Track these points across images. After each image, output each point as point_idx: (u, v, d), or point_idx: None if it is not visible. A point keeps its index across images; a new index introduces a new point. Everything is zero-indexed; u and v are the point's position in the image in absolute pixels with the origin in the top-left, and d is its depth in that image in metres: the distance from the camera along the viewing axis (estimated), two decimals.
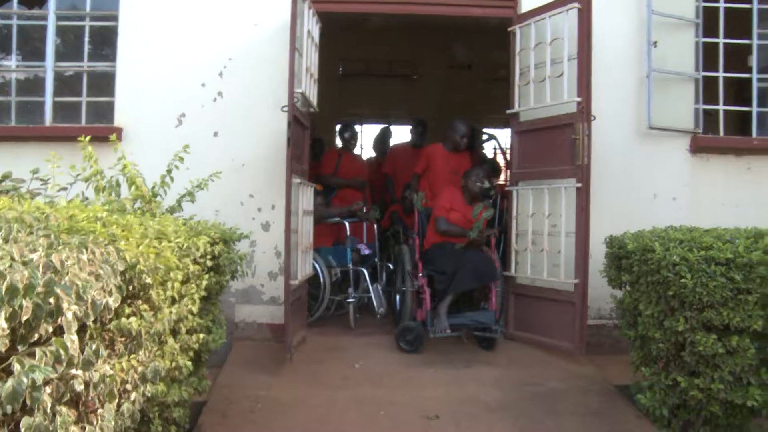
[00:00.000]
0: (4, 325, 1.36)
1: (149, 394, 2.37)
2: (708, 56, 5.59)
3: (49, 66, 5.46)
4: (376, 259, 6.38)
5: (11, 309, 1.36)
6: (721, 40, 5.58)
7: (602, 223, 4.94)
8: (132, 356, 2.15)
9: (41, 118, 5.46)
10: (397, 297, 5.81)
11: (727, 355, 3.39)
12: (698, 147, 5.48)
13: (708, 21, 5.59)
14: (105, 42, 5.72)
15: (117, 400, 2.05)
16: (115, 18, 5.46)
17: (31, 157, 4.96)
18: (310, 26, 5.03)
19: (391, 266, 6.66)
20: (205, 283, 3.17)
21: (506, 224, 6.25)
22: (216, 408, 3.96)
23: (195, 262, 3.02)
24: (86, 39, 5.53)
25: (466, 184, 5.56)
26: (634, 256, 3.81)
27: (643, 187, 5.45)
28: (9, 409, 1.30)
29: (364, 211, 6.35)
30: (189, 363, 2.89)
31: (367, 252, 6.19)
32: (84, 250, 1.90)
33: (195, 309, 2.85)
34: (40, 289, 1.48)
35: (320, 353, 5.02)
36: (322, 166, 6.71)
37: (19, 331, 1.46)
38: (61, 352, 1.57)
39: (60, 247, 1.87)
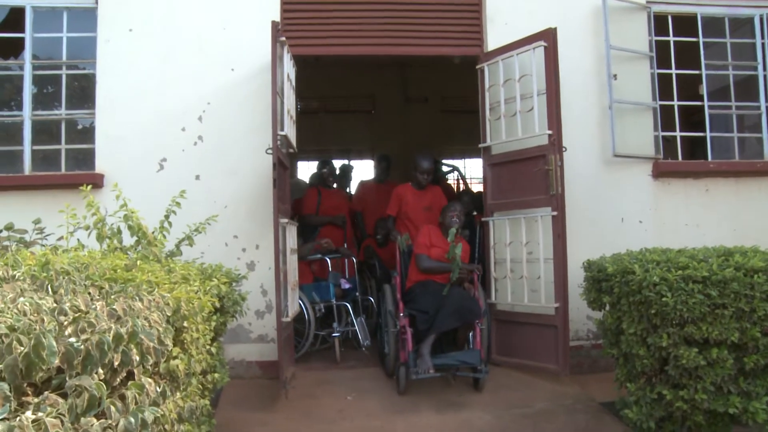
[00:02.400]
0: (101, 371, 1.47)
1: None
2: (662, 86, 5.95)
3: (27, 115, 5.50)
4: (357, 293, 6.48)
5: (110, 356, 1.46)
6: (674, 71, 5.94)
7: (575, 248, 5.17)
8: (174, 397, 2.25)
9: (20, 166, 5.48)
10: (384, 337, 5.57)
11: (708, 367, 3.63)
12: (660, 172, 5.80)
13: (661, 53, 5.96)
14: (83, 89, 5.79)
15: None
16: (92, 66, 5.54)
17: (12, 206, 5.05)
18: (288, 69, 5.19)
19: (371, 299, 6.79)
20: (213, 324, 3.27)
21: (483, 254, 6.43)
22: None
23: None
24: (63, 87, 5.58)
25: (443, 220, 5.50)
26: (615, 278, 4.02)
27: (611, 212, 5.72)
28: None
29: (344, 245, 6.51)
30: (207, 402, 2.98)
31: (347, 287, 6.28)
32: (137, 298, 2.01)
33: (213, 350, 2.95)
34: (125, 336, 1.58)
35: (311, 388, 5.10)
36: (303, 205, 6.81)
37: (105, 377, 1.56)
38: (136, 394, 1.68)
39: (114, 296, 1.98)
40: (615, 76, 5.69)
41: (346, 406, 4.72)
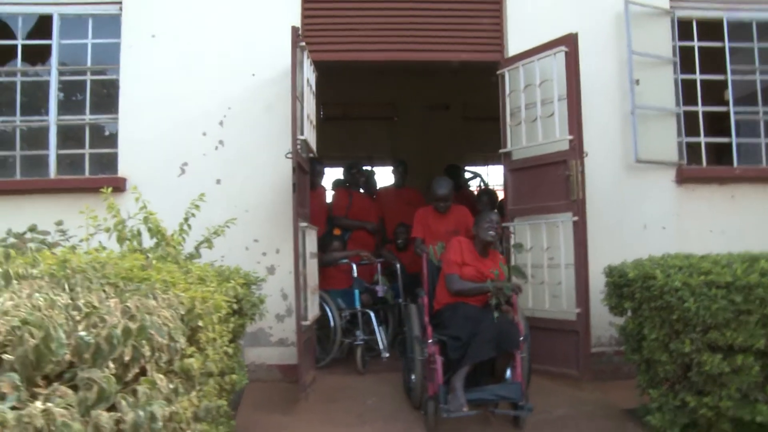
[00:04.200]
0: (111, 365, 1.48)
1: None
2: (687, 91, 5.88)
3: (52, 120, 5.59)
4: (399, 300, 6.34)
5: (120, 350, 1.47)
6: (698, 77, 5.88)
7: (597, 253, 5.11)
8: (189, 396, 2.25)
9: (45, 170, 5.56)
10: (410, 365, 4.86)
11: (732, 374, 3.56)
12: (683, 178, 5.73)
13: (685, 58, 5.90)
14: (107, 95, 5.86)
15: None
16: (116, 71, 5.62)
17: (37, 209, 5.11)
18: (309, 74, 5.22)
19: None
20: (231, 325, 3.28)
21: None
22: None
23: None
24: (88, 92, 5.68)
25: (477, 233, 4.82)
26: (636, 283, 3.98)
27: (633, 218, 5.66)
28: None
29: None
30: (225, 403, 2.99)
31: (382, 294, 6.15)
32: (150, 296, 2.02)
33: (231, 351, 2.96)
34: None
35: (331, 392, 5.09)
36: (333, 206, 6.80)
37: (117, 372, 1.57)
38: (147, 390, 1.68)
39: (128, 294, 1.99)
40: (637, 81, 5.64)
41: (366, 411, 4.71)
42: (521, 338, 4.43)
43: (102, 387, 1.35)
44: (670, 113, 5.80)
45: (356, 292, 6.07)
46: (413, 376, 4.69)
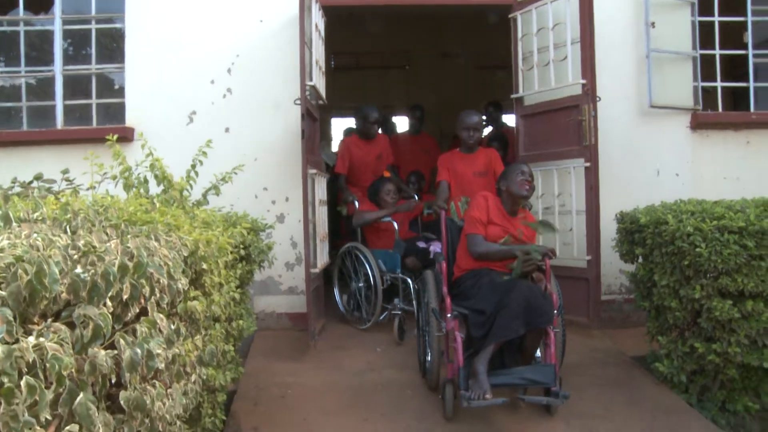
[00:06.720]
0: (110, 303, 1.47)
1: (204, 377, 2.48)
2: (704, 34, 5.73)
3: (58, 70, 5.53)
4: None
5: (118, 288, 1.46)
6: (717, 18, 5.71)
7: (609, 200, 5.06)
8: (194, 339, 2.26)
9: (53, 121, 5.54)
10: (425, 339, 4.22)
11: (742, 320, 3.55)
12: (698, 123, 5.61)
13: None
14: (113, 44, 5.80)
15: (183, 381, 2.16)
16: (121, 20, 5.54)
17: (45, 160, 5.09)
18: (317, 20, 5.13)
19: None
20: (239, 272, 3.28)
21: None
22: (247, 395, 4.05)
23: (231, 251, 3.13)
24: (93, 42, 5.61)
25: (508, 187, 4.08)
26: (648, 229, 3.94)
27: (646, 165, 5.58)
28: (128, 377, 1.40)
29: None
30: (232, 348, 3.00)
31: (437, 248, 5.21)
32: (152, 238, 2.00)
33: (237, 296, 2.96)
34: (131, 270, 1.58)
35: (341, 340, 5.13)
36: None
37: (116, 311, 1.56)
38: (147, 329, 1.68)
39: (129, 236, 1.97)
40: (653, 24, 5.49)
41: (376, 358, 4.73)
42: (555, 311, 3.69)
43: (97, 324, 1.35)
44: (687, 57, 5.66)
45: (397, 255, 5.43)
46: (429, 354, 4.09)
